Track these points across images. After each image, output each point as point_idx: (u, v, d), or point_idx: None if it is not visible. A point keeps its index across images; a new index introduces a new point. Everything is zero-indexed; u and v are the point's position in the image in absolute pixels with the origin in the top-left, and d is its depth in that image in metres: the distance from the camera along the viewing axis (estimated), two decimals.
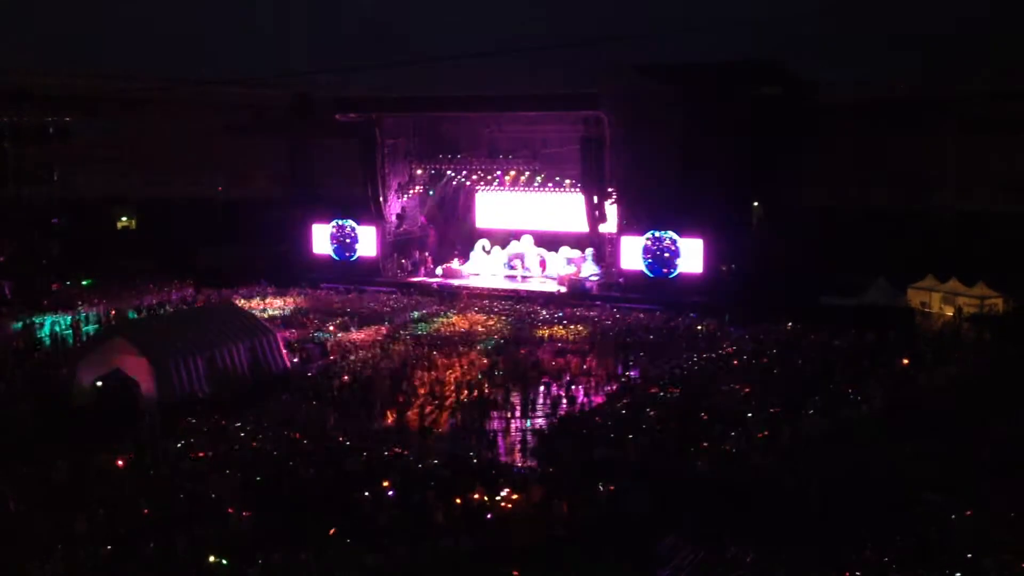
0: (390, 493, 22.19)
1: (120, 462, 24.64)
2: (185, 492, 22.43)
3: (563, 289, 51.56)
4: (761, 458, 24.62)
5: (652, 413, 28.56)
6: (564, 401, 30.95)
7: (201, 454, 25.28)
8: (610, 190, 51.43)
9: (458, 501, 21.45)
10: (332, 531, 20.30)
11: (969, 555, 18.45)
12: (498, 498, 21.74)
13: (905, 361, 34.14)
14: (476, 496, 21.80)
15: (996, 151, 53.21)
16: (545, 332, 41.65)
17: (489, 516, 21.09)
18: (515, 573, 18.99)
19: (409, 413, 29.61)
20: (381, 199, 56.99)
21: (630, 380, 33.70)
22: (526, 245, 57.61)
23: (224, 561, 18.88)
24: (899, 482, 22.78)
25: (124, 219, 72.18)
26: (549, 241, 57.64)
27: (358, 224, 57.64)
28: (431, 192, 59.94)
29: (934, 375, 32.78)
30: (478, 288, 53.04)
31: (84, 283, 52.24)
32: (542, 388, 32.39)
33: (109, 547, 19.51)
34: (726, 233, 49.70)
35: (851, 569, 18.48)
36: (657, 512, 21.61)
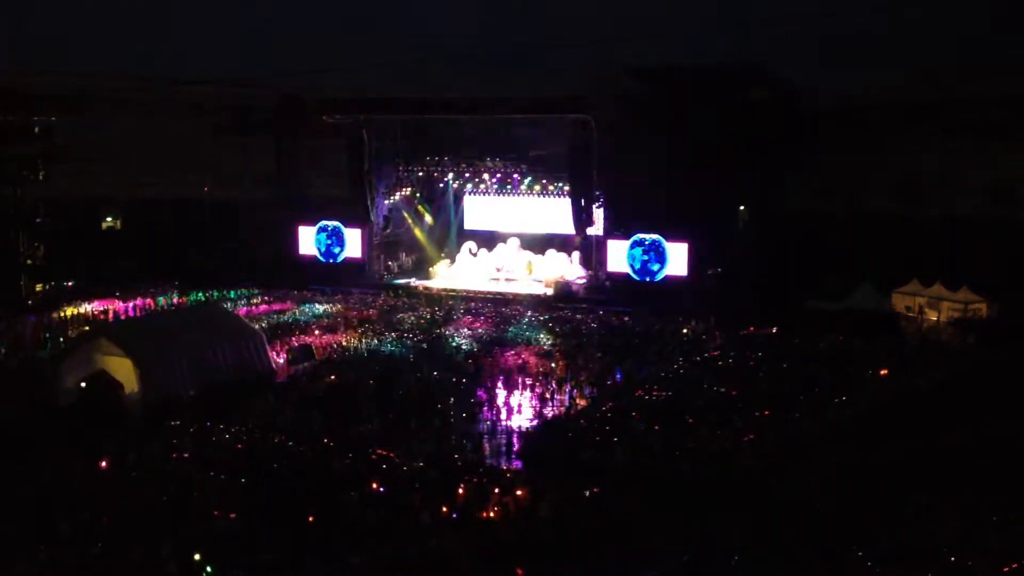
0: (381, 490, 22.14)
1: (104, 463, 24.50)
2: (169, 494, 22.31)
3: (549, 292, 51.60)
4: (747, 460, 24.68)
5: (637, 416, 28.60)
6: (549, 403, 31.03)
7: (186, 455, 25.15)
8: (597, 193, 51.52)
9: (444, 509, 21.38)
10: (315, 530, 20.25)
11: (954, 557, 18.53)
12: (484, 500, 21.70)
13: (888, 366, 34.28)
14: (462, 498, 21.76)
15: (982, 156, 53.49)
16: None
17: (475, 518, 21.04)
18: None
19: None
20: (368, 200, 56.92)
21: (616, 382, 33.73)
22: (512, 248, 57.65)
23: (208, 568, 18.76)
24: (884, 484, 22.86)
25: (109, 219, 71.86)
26: (536, 243, 57.73)
27: (344, 225, 57.60)
28: (418, 194, 59.90)
29: (918, 379, 32.94)
30: (464, 291, 53.07)
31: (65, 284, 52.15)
32: (527, 390, 32.43)
33: (92, 549, 19.38)
34: (712, 236, 49.86)
35: (837, 571, 18.53)
36: (643, 514, 21.64)
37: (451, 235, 61.42)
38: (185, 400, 30.58)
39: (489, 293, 52.42)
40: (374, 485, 22.49)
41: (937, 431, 26.72)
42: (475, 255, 58.50)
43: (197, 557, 18.84)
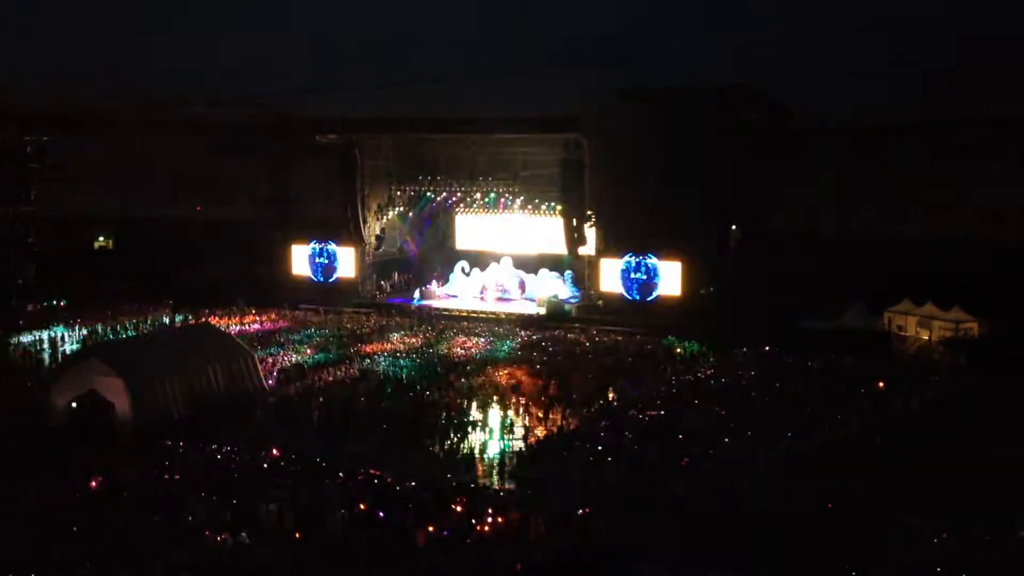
0: (378, 514, 22.06)
1: (94, 484, 24.36)
2: (161, 515, 22.19)
3: (542, 311, 51.62)
4: (738, 480, 24.65)
5: (630, 435, 28.57)
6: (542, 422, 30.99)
7: (177, 476, 25.04)
8: (589, 212, 51.63)
9: (432, 528, 21.29)
10: (307, 551, 20.16)
11: None
12: (476, 520, 21.62)
13: (881, 384, 34.33)
14: (454, 518, 21.68)
15: (973, 177, 53.66)
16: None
17: (467, 539, 20.96)
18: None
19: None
20: (360, 220, 56.96)
21: (608, 402, 33.70)
22: (505, 267, 57.68)
23: None
24: (876, 505, 22.84)
25: (101, 239, 71.70)
26: (528, 263, 57.78)
27: (337, 245, 57.60)
28: (410, 213, 60.00)
29: (910, 399, 32.97)
30: (457, 310, 53.06)
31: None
32: (521, 410, 32.36)
33: (83, 571, 19.25)
34: (705, 256, 49.94)
35: None
36: (633, 534, 21.58)
37: (444, 255, 61.45)
38: (176, 420, 30.46)
39: (482, 312, 52.41)
40: (362, 506, 22.38)
41: (928, 452, 26.73)
42: (468, 274, 58.52)
43: None
